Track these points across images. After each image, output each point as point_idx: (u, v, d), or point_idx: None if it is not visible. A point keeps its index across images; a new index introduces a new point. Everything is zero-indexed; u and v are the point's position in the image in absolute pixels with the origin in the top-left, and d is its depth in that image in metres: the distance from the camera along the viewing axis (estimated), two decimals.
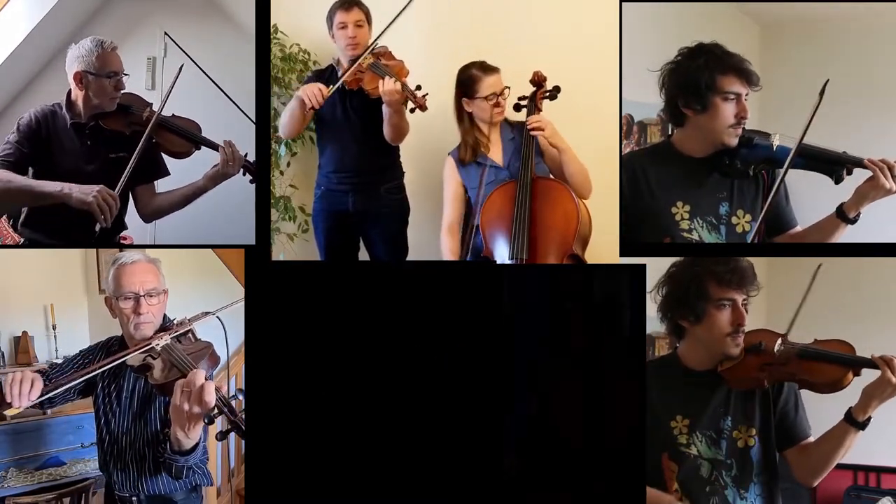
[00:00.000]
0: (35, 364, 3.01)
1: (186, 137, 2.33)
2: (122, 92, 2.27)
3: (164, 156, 2.37)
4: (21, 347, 3.04)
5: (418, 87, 2.46)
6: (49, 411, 2.86)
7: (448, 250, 2.56)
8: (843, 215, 2.00)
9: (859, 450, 2.03)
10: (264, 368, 2.28)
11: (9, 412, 1.81)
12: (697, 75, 1.97)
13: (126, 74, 2.26)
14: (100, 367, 1.91)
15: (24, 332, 3.04)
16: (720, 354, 1.99)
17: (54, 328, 3.06)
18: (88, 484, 2.66)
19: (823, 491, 2.35)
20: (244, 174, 2.33)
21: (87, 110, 2.25)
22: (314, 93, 2.47)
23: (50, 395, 1.86)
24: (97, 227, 2.15)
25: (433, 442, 2.26)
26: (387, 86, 2.43)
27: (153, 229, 2.68)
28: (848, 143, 2.02)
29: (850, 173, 1.98)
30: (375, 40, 2.54)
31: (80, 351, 2.09)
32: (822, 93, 1.98)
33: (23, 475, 2.68)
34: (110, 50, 2.22)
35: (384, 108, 2.49)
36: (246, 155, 2.33)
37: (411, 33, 2.57)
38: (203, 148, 2.34)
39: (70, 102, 2.25)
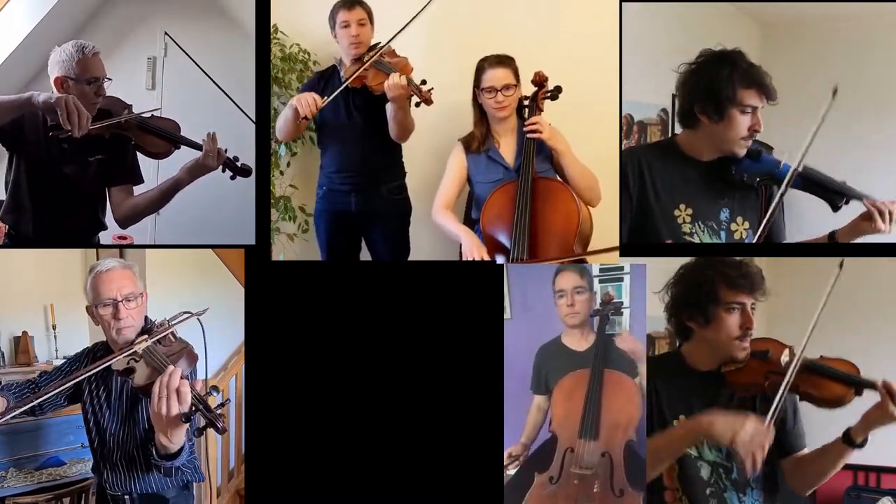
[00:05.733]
0: (35, 364, 3.01)
1: (165, 137, 2.28)
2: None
3: (145, 157, 2.33)
4: (21, 347, 3.05)
5: (423, 82, 2.45)
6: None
7: (447, 220, 2.51)
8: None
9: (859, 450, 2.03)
10: (264, 368, 2.29)
11: None
12: (720, 85, 1.96)
13: (108, 79, 2.21)
14: (85, 373, 1.92)
15: (24, 332, 3.05)
16: (725, 357, 1.99)
17: (54, 328, 3.06)
18: (88, 484, 2.66)
19: (823, 491, 2.35)
20: (223, 171, 2.29)
21: None
22: (308, 103, 2.44)
23: (39, 400, 1.90)
24: (60, 135, 2.06)
25: (433, 441, 2.26)
26: (392, 80, 2.42)
27: (153, 230, 2.69)
28: (846, 145, 2.03)
29: (847, 203, 2.03)
30: (380, 48, 2.54)
31: (66, 359, 2.10)
32: (833, 95, 1.97)
33: (22, 475, 2.68)
34: (91, 55, 2.17)
35: (388, 106, 2.48)
36: (226, 151, 2.28)
37: (412, 33, 2.56)
38: (183, 147, 2.30)
39: None
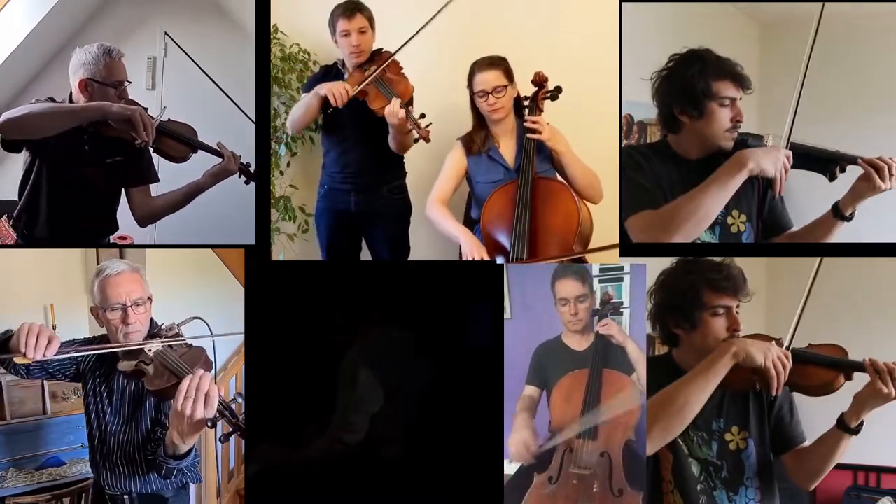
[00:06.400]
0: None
1: (185, 142, 2.31)
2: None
3: (164, 160, 2.35)
4: None
5: (422, 116, 2.44)
6: (49, 410, 2.87)
7: (442, 216, 2.51)
8: (839, 213, 2.00)
9: (859, 450, 2.03)
10: (264, 369, 2.29)
11: (18, 360, 1.77)
12: (693, 82, 1.96)
13: (129, 82, 2.23)
14: (92, 350, 1.93)
15: None
16: None
17: (54, 328, 3.06)
18: (88, 484, 2.66)
19: (823, 491, 2.36)
20: (239, 175, 2.34)
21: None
22: (340, 93, 2.46)
23: (43, 359, 1.82)
24: (137, 143, 2.14)
25: (433, 441, 2.26)
26: (392, 110, 2.42)
27: (153, 230, 2.69)
28: (846, 144, 2.02)
29: (843, 171, 1.99)
30: (384, 62, 2.53)
31: (73, 339, 2.08)
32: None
33: (23, 475, 2.68)
34: (118, 59, 2.19)
35: (390, 127, 2.49)
36: (240, 157, 2.33)
37: (413, 34, 2.56)
38: (200, 152, 2.33)
39: None
